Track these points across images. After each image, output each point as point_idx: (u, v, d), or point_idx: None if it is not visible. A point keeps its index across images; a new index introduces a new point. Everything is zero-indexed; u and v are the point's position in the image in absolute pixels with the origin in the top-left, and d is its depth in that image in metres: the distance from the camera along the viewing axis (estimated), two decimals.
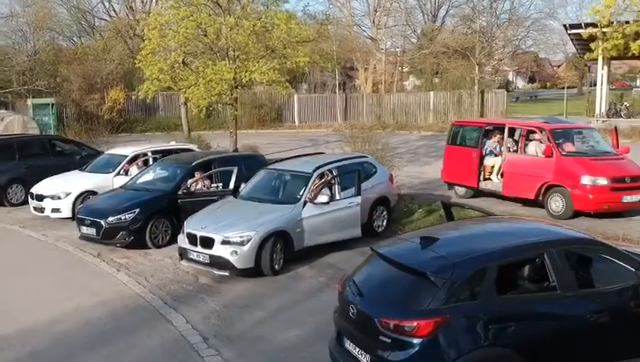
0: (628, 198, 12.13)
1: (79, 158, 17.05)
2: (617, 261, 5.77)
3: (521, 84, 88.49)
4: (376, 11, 45.97)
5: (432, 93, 34.93)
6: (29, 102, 30.40)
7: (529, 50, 59.14)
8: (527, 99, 65.22)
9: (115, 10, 45.83)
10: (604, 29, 11.94)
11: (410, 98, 35.46)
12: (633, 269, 5.70)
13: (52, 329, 7.95)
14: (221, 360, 6.87)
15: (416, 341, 5.04)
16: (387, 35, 46.45)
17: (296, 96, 36.44)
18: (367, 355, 5.35)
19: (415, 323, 5.04)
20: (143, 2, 47.57)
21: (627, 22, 11.87)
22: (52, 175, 14.94)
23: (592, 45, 13.03)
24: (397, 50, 48.11)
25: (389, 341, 5.15)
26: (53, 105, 30.51)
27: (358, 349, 5.51)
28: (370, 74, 43.04)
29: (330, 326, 6.34)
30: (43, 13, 38.07)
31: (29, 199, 14.51)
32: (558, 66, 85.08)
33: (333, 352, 5.92)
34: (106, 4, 45.37)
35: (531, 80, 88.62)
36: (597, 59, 24.49)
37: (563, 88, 40.94)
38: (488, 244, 5.67)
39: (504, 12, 49.29)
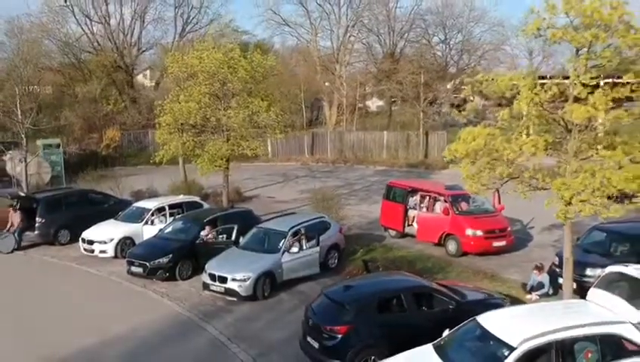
0: (496, 243, 18.21)
1: (107, 206, 22.49)
2: (440, 296, 11.74)
3: (478, 100, 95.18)
4: (339, 50, 51.79)
5: (385, 132, 41.03)
6: (39, 143, 33.86)
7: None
8: (477, 121, 71.68)
9: (98, 42, 48.74)
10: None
11: (367, 136, 41.46)
12: (448, 300, 11.64)
13: (133, 336, 13.42)
14: (240, 351, 12.55)
15: (339, 336, 10.87)
16: (349, 69, 52.26)
17: None
18: (317, 342, 11.15)
19: (339, 328, 10.88)
20: (124, 34, 52.43)
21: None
22: (88, 221, 20.34)
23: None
24: (358, 77, 53.42)
25: (327, 336, 10.98)
26: (59, 145, 34.75)
27: (312, 340, 11.29)
28: (334, 109, 48.91)
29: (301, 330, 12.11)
30: (32, 44, 41.03)
31: (80, 242, 19.89)
32: None
33: (301, 343, 11.71)
34: (90, 37, 48.37)
35: (486, 97, 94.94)
36: None
37: None
38: (375, 288, 11.73)
39: (458, 43, 55.21)
